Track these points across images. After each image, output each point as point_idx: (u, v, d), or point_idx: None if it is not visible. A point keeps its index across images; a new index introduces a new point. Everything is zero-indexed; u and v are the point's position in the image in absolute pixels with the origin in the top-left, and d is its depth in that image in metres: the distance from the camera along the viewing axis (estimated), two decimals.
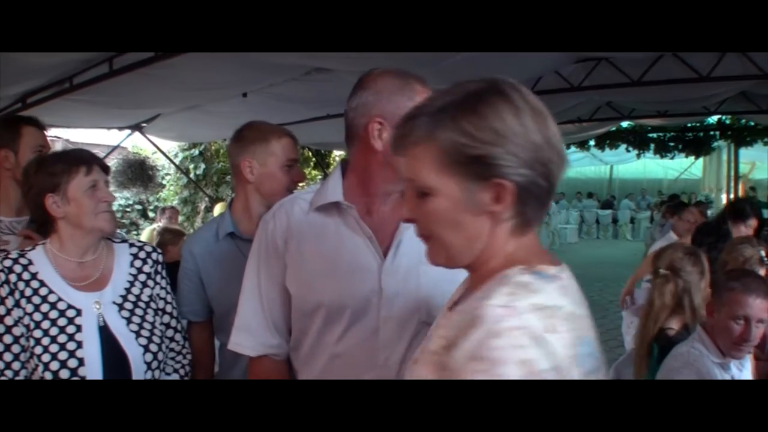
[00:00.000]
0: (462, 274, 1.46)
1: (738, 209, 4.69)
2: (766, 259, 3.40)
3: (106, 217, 2.03)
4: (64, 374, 1.91)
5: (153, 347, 2.02)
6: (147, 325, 2.04)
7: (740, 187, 16.20)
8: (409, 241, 1.71)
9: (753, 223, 4.50)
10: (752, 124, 13.85)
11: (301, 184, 2.45)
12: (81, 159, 2.02)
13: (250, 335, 1.85)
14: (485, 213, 1.12)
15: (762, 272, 3.37)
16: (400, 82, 1.71)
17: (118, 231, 9.08)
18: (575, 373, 1.01)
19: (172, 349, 2.18)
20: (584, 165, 21.03)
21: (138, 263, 2.13)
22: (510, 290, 1.05)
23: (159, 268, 2.17)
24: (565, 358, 1.00)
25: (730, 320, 2.48)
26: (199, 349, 2.45)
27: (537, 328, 1.00)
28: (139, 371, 1.99)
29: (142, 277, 2.11)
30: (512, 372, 0.96)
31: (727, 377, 2.50)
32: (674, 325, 3.00)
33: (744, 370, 2.64)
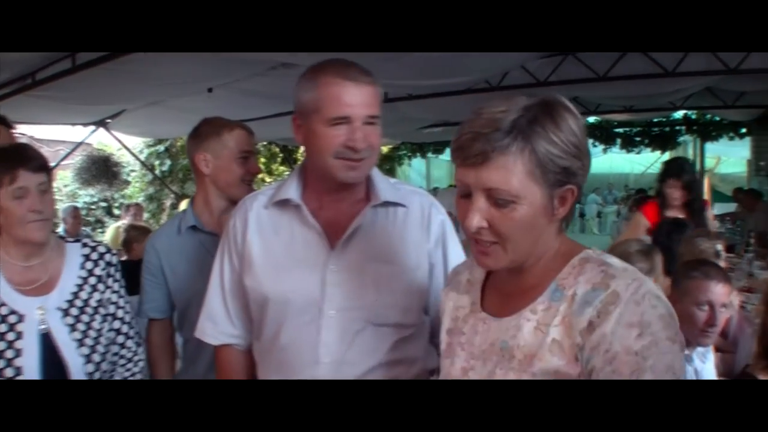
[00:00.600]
0: (409, 279, 1.69)
1: (672, 166, 4.67)
2: (721, 252, 3.43)
3: (36, 226, 1.88)
4: None
5: (96, 357, 1.94)
6: (92, 333, 1.95)
7: (706, 181, 16.42)
8: (360, 238, 1.75)
9: (687, 178, 4.51)
10: (717, 119, 14.06)
11: (269, 179, 2.46)
12: (9, 164, 1.86)
13: (213, 324, 1.92)
14: (551, 217, 1.24)
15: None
16: (330, 77, 1.70)
17: (83, 229, 9.03)
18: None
19: (122, 356, 2.08)
20: None
21: (89, 265, 2.03)
22: (621, 267, 1.21)
23: (112, 270, 2.06)
24: (671, 307, 1.19)
25: (694, 307, 2.51)
26: (160, 348, 2.47)
27: (655, 289, 1.19)
28: None
29: (92, 280, 2.02)
30: (657, 327, 1.14)
31: (690, 369, 2.53)
32: None
33: (707, 362, 2.67)
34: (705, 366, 2.66)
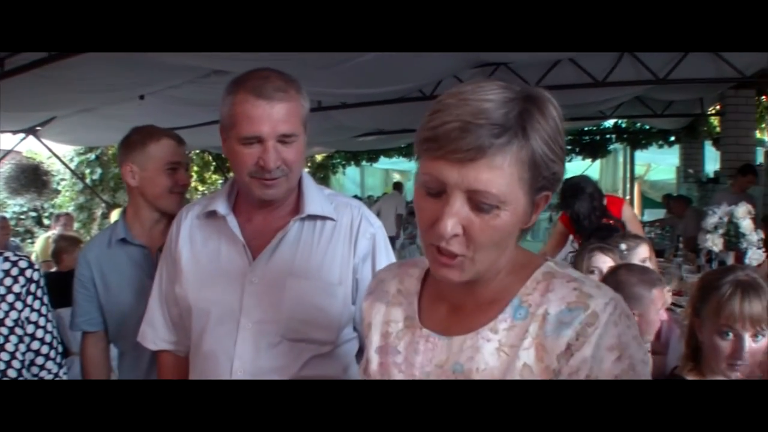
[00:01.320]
0: (329, 295, 1.70)
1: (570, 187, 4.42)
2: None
3: None
4: None
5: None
6: (5, 356, 1.82)
7: (636, 188, 16.87)
8: (283, 252, 1.74)
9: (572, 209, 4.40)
10: (647, 127, 14.49)
11: (201, 188, 2.43)
12: None
13: (152, 329, 1.95)
14: (524, 225, 1.11)
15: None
16: (245, 91, 1.67)
17: (12, 239, 8.75)
18: None
19: (41, 378, 1.95)
20: None
21: (8, 281, 1.87)
22: (594, 283, 1.12)
23: (32, 287, 1.91)
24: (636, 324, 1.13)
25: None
26: (93, 362, 2.40)
27: (626, 308, 1.10)
28: None
29: (10, 298, 1.86)
30: (633, 349, 1.07)
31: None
32: None
33: None
34: None
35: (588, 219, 4.43)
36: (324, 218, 1.80)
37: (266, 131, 1.65)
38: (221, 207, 1.79)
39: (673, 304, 4.41)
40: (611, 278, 2.61)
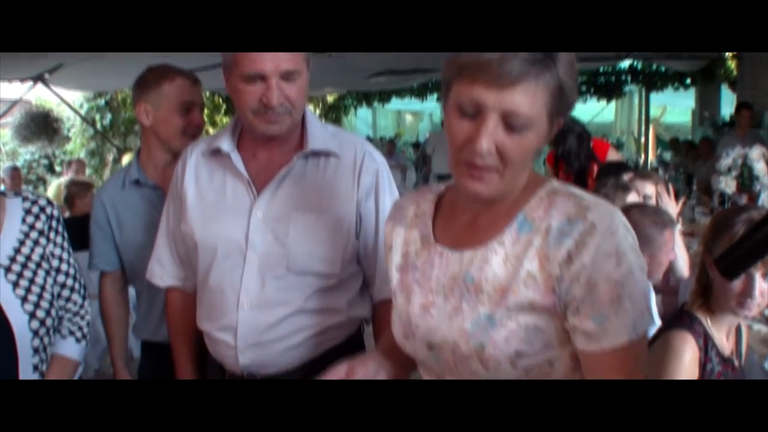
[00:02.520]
0: (334, 229, 1.73)
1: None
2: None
3: None
4: None
5: (40, 313, 1.90)
6: (36, 289, 1.91)
7: (651, 130, 16.69)
8: (287, 187, 1.77)
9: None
10: (663, 69, 14.22)
11: (213, 131, 2.42)
12: None
13: (160, 267, 2.00)
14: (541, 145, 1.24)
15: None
16: None
17: (25, 187, 8.80)
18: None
19: (68, 310, 2.05)
20: None
21: (30, 219, 1.97)
22: (592, 198, 1.23)
23: (54, 223, 2.01)
24: (635, 237, 1.23)
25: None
26: (111, 301, 2.46)
27: (624, 219, 1.22)
28: (24, 339, 1.87)
29: (34, 235, 1.96)
30: (631, 256, 1.18)
31: None
32: None
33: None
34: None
35: (577, 158, 4.49)
36: (328, 154, 1.83)
37: (269, 69, 1.67)
38: (225, 144, 1.81)
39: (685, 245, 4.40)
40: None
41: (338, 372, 1.42)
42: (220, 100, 12.66)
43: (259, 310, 1.77)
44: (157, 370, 2.26)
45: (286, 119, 1.73)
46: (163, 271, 2.00)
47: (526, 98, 1.15)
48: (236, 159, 1.80)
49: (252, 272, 1.76)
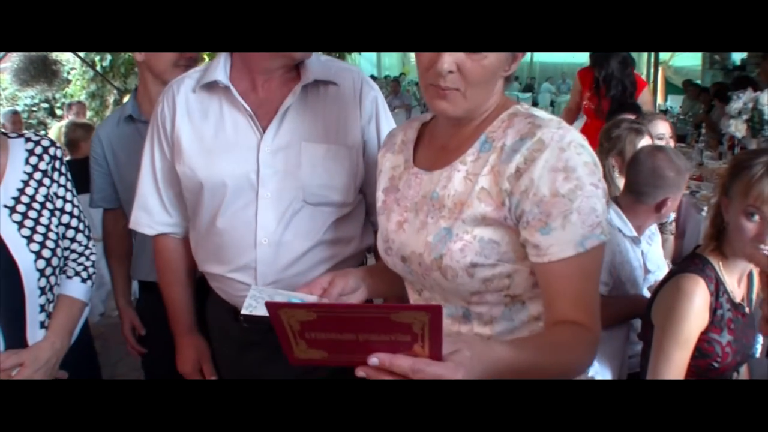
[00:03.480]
0: (344, 156, 1.74)
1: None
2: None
3: None
4: None
5: (46, 252, 1.88)
6: (41, 229, 1.89)
7: (660, 73, 16.46)
8: (292, 118, 1.72)
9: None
10: None
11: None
12: None
13: (147, 214, 1.92)
14: (504, 71, 1.34)
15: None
16: None
17: (25, 132, 8.68)
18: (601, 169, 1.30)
19: (73, 251, 2.04)
20: None
21: (33, 160, 1.95)
22: (546, 118, 1.30)
23: (57, 164, 1.99)
24: (596, 157, 1.28)
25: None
26: (115, 237, 2.48)
27: (580, 138, 1.27)
28: (30, 279, 1.86)
29: (37, 175, 1.94)
30: (582, 172, 1.23)
31: (638, 250, 2.56)
32: None
33: (653, 243, 2.70)
34: (651, 248, 2.70)
35: (620, 82, 4.53)
36: (327, 83, 1.78)
37: None
38: (221, 76, 1.74)
39: (692, 189, 4.37)
40: (646, 158, 2.58)
41: (320, 283, 1.48)
42: None
43: (278, 246, 1.73)
44: (155, 310, 2.24)
45: None
46: (150, 219, 1.92)
47: None
48: (232, 93, 1.74)
49: (267, 208, 1.72)
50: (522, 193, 1.24)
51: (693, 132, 7.53)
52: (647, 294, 2.49)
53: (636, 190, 2.57)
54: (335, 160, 1.75)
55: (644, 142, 3.10)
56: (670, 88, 16.00)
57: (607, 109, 4.49)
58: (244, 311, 1.41)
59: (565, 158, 1.23)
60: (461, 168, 1.33)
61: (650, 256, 2.69)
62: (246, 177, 1.72)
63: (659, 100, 14.60)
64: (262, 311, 1.30)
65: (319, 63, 1.80)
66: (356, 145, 1.79)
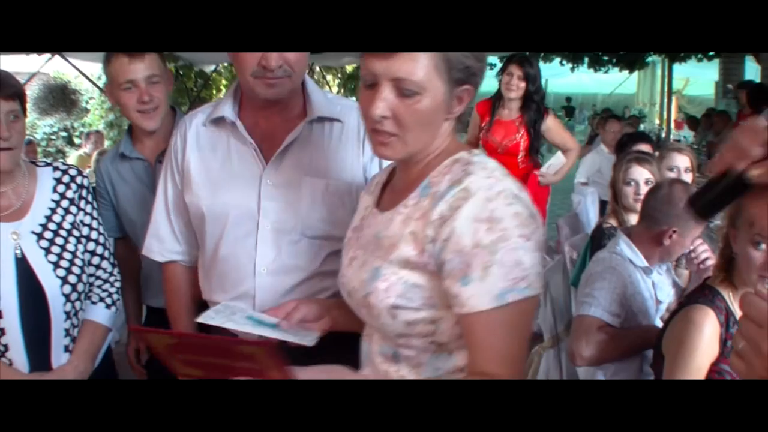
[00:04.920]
0: (343, 192, 1.76)
1: None
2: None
3: (1, 156, 1.85)
4: None
5: (72, 278, 1.95)
6: (67, 255, 1.96)
7: (674, 102, 16.47)
8: (295, 153, 1.78)
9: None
10: None
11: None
12: None
13: (158, 242, 1.97)
14: (448, 114, 1.32)
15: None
16: None
17: (43, 160, 8.79)
18: (540, 221, 1.28)
19: (98, 277, 2.11)
20: None
21: (61, 188, 2.03)
22: (480, 166, 1.28)
23: (84, 192, 2.06)
24: (534, 207, 1.26)
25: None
26: (126, 263, 2.48)
27: (514, 188, 1.26)
28: (56, 304, 1.93)
29: (65, 203, 2.02)
30: (510, 223, 1.21)
31: (648, 281, 2.56)
32: (612, 222, 3.22)
33: (662, 273, 2.70)
34: (661, 278, 2.69)
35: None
36: (332, 120, 1.84)
37: None
38: (228, 112, 1.81)
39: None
40: (663, 186, 2.61)
41: (285, 308, 1.55)
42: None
43: (275, 275, 1.78)
44: None
45: (286, 82, 1.73)
46: (161, 246, 1.97)
47: (410, 62, 1.23)
48: (240, 127, 1.80)
49: (266, 239, 1.77)
50: (444, 241, 1.24)
51: (706, 162, 7.52)
52: (659, 324, 2.48)
53: (646, 215, 2.59)
54: (335, 195, 1.79)
55: (641, 172, 3.14)
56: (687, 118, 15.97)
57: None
58: (198, 319, 1.52)
59: (490, 208, 1.21)
60: (402, 211, 1.34)
61: (661, 286, 2.69)
62: (247, 207, 1.78)
63: (672, 129, 14.59)
64: (218, 322, 1.41)
65: (325, 100, 1.86)
66: (357, 181, 1.83)
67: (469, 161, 1.30)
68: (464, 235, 1.21)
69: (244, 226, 1.78)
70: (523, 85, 4.44)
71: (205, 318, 1.50)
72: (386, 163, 1.85)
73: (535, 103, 4.49)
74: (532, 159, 4.60)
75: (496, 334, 1.23)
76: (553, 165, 4.71)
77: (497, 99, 4.58)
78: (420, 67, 1.24)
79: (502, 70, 4.54)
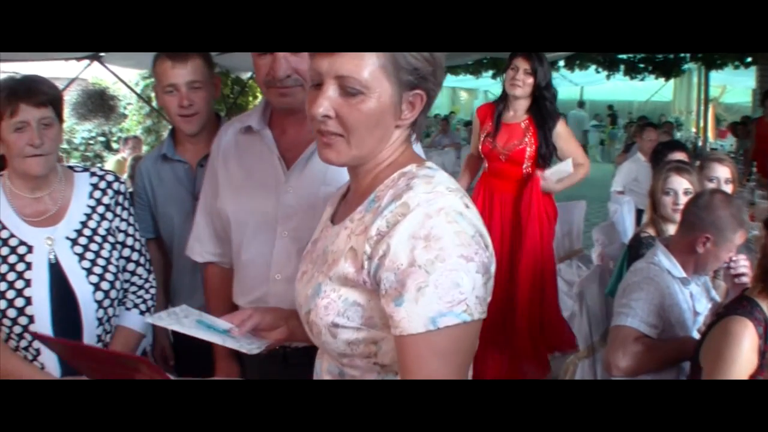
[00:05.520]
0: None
1: None
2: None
3: (34, 161, 1.89)
4: (11, 313, 1.88)
5: (105, 285, 1.98)
6: (101, 261, 1.99)
7: (710, 110, 16.25)
8: (316, 162, 1.76)
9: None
10: None
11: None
12: (12, 97, 1.86)
13: (199, 243, 2.03)
14: (398, 119, 1.25)
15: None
16: None
17: (81, 164, 8.96)
18: (488, 242, 1.20)
19: (133, 284, 2.13)
20: (554, 86, 20.92)
21: (98, 194, 2.05)
22: (424, 180, 1.20)
23: (120, 198, 2.09)
24: (481, 226, 1.19)
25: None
26: (156, 265, 2.50)
27: (458, 205, 1.17)
28: (88, 310, 1.95)
29: (100, 209, 2.04)
30: (449, 242, 1.12)
31: (687, 292, 2.54)
32: (650, 231, 3.17)
33: (700, 284, 2.67)
34: (699, 289, 2.66)
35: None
36: None
37: None
38: (255, 122, 1.86)
39: None
40: (707, 198, 2.57)
41: (240, 315, 1.52)
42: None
43: (288, 283, 1.76)
44: (189, 341, 2.29)
45: (298, 92, 1.74)
46: (201, 248, 2.03)
47: (354, 62, 1.19)
48: (266, 136, 1.84)
49: (282, 246, 1.80)
50: (380, 258, 1.16)
51: (744, 170, 7.41)
52: (697, 336, 2.46)
53: (684, 223, 2.57)
54: None
55: (680, 182, 3.12)
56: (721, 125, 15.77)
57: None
58: (147, 319, 1.58)
59: (429, 225, 1.13)
60: (348, 225, 1.28)
61: (699, 297, 2.65)
62: (267, 214, 1.81)
63: (710, 137, 14.40)
64: (166, 324, 1.45)
65: None
66: None
67: (414, 175, 1.23)
68: (400, 253, 1.13)
69: (263, 232, 1.82)
70: (530, 81, 3.78)
71: (154, 319, 1.52)
72: None
73: (545, 102, 3.84)
74: (540, 169, 3.90)
75: (425, 360, 1.14)
76: (559, 171, 3.93)
77: (501, 100, 3.98)
78: (365, 65, 1.19)
79: (507, 65, 3.90)
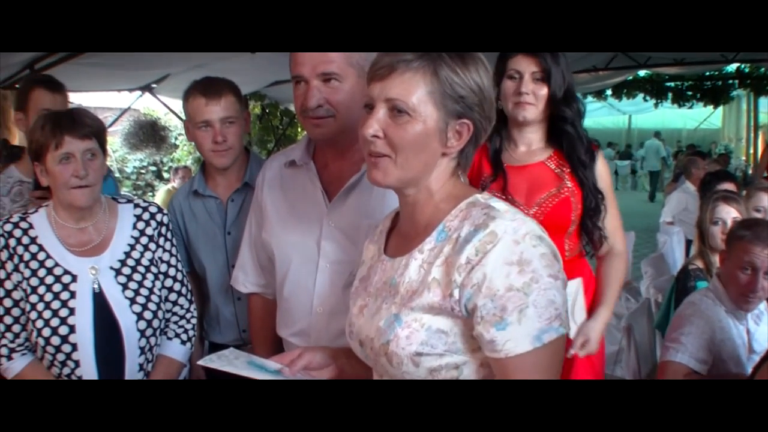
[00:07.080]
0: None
1: None
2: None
3: (78, 192, 1.93)
4: (55, 341, 1.91)
5: (147, 314, 2.00)
6: (144, 291, 2.02)
7: (760, 137, 15.92)
8: (356, 195, 1.80)
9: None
10: None
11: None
12: (57, 129, 1.91)
13: (243, 273, 2.06)
14: (444, 147, 1.31)
15: None
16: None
17: (131, 193, 9.15)
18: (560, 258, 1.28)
19: (175, 313, 2.15)
20: (602, 115, 20.65)
21: (141, 225, 2.09)
22: (502, 209, 1.27)
23: (163, 230, 2.12)
24: (555, 248, 1.26)
25: (737, 269, 2.45)
26: (197, 296, 2.51)
27: (537, 230, 1.25)
28: (131, 339, 1.98)
29: (144, 240, 2.07)
30: (538, 264, 1.20)
31: (741, 328, 2.47)
32: (699, 264, 3.11)
33: (761, 323, 2.59)
34: (759, 328, 2.58)
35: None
36: None
37: (306, 71, 1.71)
38: (298, 156, 1.87)
39: None
40: (755, 227, 2.52)
41: (290, 355, 1.52)
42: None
43: (330, 315, 1.80)
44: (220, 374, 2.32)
45: (330, 122, 1.75)
46: (245, 278, 2.05)
47: (403, 86, 1.26)
48: (309, 169, 1.85)
49: (324, 278, 1.80)
50: (474, 287, 1.21)
51: None
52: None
53: (728, 245, 2.54)
54: None
55: (728, 211, 3.06)
56: None
57: None
58: (199, 362, 1.54)
59: (519, 251, 1.20)
60: (418, 256, 1.32)
61: (757, 336, 2.55)
62: (309, 248, 1.82)
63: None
64: (218, 366, 1.46)
65: None
66: None
67: (486, 205, 1.29)
68: (495, 280, 1.20)
69: (306, 265, 1.83)
70: (543, 92, 2.25)
71: (205, 361, 1.51)
72: None
73: (571, 126, 2.30)
74: (591, 238, 2.34)
75: (533, 375, 1.21)
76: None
77: (497, 132, 2.30)
78: (413, 90, 1.26)
79: (500, 73, 2.30)
